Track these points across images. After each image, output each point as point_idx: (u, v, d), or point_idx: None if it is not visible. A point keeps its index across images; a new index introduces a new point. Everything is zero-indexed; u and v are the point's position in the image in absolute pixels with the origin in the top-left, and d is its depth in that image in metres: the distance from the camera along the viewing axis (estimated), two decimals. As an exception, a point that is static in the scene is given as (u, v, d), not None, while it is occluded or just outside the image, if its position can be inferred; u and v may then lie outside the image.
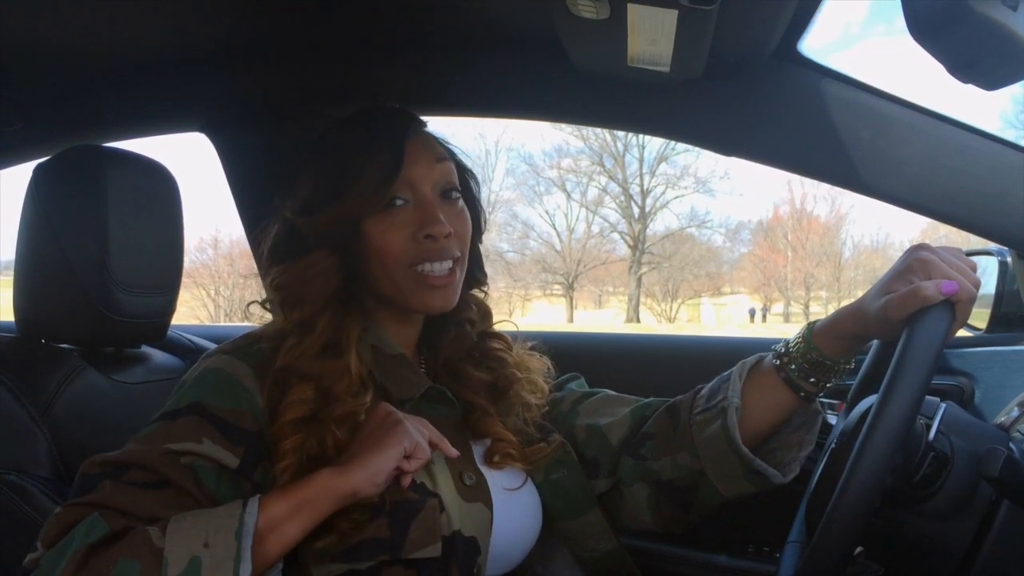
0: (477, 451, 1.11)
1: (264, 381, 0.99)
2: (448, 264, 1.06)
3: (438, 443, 0.98)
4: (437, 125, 1.16)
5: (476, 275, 1.20)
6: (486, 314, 1.22)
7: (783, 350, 1.07)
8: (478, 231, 1.17)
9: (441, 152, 1.10)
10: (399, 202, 1.05)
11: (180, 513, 0.86)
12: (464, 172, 1.16)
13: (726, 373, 1.12)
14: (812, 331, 1.04)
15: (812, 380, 1.05)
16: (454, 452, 0.99)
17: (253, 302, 1.12)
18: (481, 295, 1.22)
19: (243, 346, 1.03)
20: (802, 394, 1.06)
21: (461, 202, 1.11)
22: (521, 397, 1.16)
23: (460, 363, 1.16)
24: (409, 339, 1.15)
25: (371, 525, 0.95)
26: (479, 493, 1.04)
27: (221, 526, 0.84)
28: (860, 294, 0.98)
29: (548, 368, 1.25)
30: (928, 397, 0.86)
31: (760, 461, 1.05)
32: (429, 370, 1.16)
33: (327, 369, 1.00)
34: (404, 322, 1.13)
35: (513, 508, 1.08)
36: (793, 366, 1.05)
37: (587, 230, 25.27)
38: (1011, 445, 0.85)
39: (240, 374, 0.99)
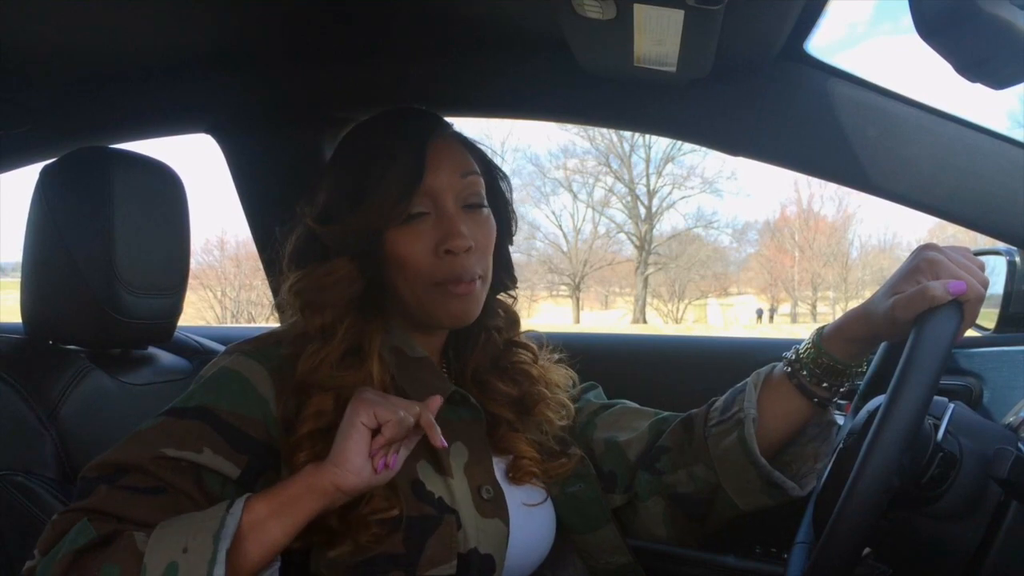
0: (498, 465, 1.08)
1: (281, 388, 0.97)
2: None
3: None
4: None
5: (504, 280, 1.17)
6: (514, 322, 1.18)
7: (793, 357, 1.05)
8: (508, 234, 1.15)
9: (468, 166, 1.06)
10: (419, 213, 1.01)
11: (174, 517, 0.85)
12: (495, 174, 1.12)
13: (740, 384, 1.10)
14: (821, 336, 1.02)
15: (825, 385, 1.03)
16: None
17: (278, 302, 1.08)
18: (509, 300, 1.19)
19: (263, 347, 1.01)
20: (816, 400, 1.04)
21: (486, 211, 1.07)
22: (546, 416, 1.14)
23: (487, 375, 1.13)
24: (433, 346, 1.12)
25: (387, 540, 0.93)
26: (497, 508, 1.02)
27: (201, 528, 0.82)
28: (867, 294, 0.98)
29: (573, 380, 1.23)
30: (936, 397, 0.85)
31: (778, 473, 1.04)
32: (453, 377, 1.13)
33: (348, 380, 0.97)
34: (427, 333, 1.11)
35: (530, 523, 1.06)
36: (805, 372, 1.03)
37: (593, 231, 25.35)
38: (1020, 446, 0.85)
39: (256, 378, 0.97)
